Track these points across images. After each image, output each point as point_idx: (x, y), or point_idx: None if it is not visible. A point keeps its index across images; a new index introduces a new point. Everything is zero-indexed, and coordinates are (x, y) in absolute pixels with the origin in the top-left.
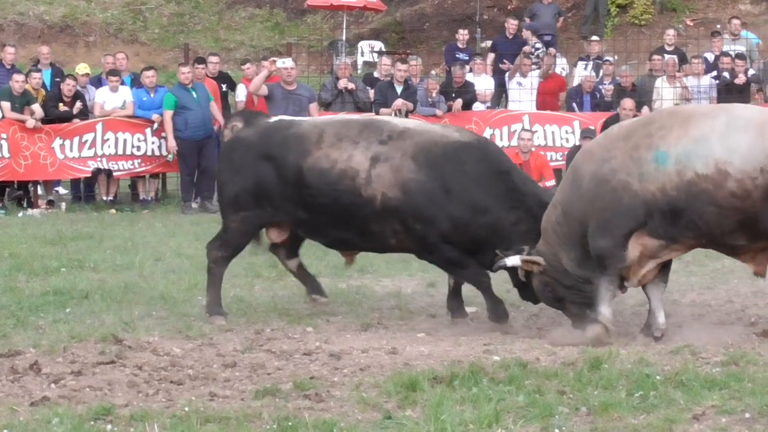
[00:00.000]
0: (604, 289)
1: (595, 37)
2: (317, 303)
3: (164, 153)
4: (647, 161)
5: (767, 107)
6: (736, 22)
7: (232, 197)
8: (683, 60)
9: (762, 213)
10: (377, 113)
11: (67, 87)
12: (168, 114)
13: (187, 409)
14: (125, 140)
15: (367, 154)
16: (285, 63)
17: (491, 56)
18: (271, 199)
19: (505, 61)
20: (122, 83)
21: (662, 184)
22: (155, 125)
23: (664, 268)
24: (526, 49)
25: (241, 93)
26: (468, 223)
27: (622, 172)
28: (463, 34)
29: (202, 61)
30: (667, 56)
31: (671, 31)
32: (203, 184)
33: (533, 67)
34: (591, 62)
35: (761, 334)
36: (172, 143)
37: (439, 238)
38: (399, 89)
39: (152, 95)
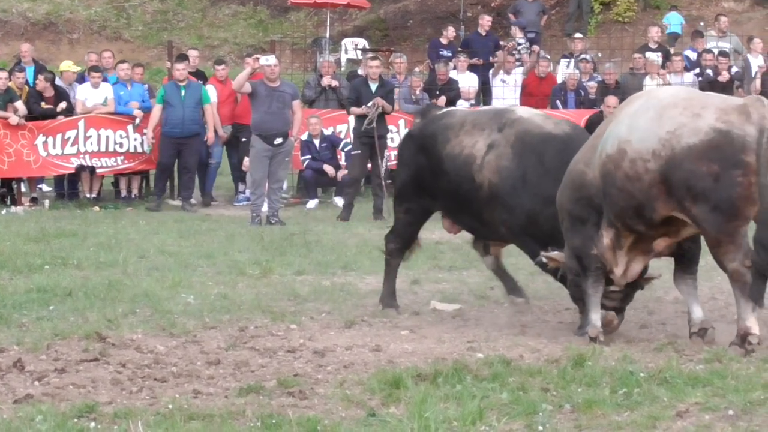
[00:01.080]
0: (590, 293)
1: (578, 35)
2: (514, 304)
3: (147, 150)
4: (597, 148)
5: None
6: (723, 19)
7: (399, 188)
8: (668, 57)
9: (651, 200)
10: (348, 112)
11: (40, 84)
12: (156, 108)
13: (170, 406)
14: (107, 137)
15: (486, 141)
16: (268, 60)
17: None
18: (426, 188)
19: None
20: (105, 80)
21: (596, 168)
22: (137, 121)
23: (686, 262)
24: (510, 45)
25: (211, 93)
26: (537, 213)
27: (581, 162)
28: (449, 31)
29: (184, 58)
30: (649, 54)
31: (655, 29)
32: (183, 182)
33: (516, 64)
34: (574, 60)
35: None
36: (150, 135)
37: (519, 228)
38: (374, 87)
39: (129, 88)
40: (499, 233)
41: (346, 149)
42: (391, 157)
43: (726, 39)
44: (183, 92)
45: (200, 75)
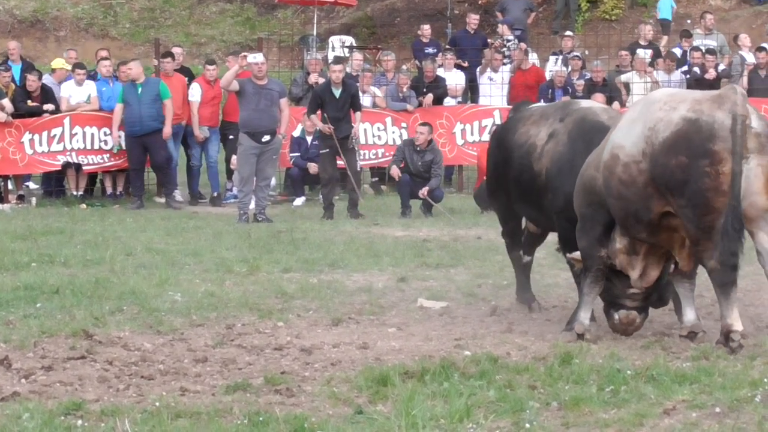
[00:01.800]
0: (584, 293)
1: (568, 33)
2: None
3: (115, 149)
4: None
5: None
6: (709, 17)
7: (488, 183)
8: (657, 55)
9: (647, 200)
10: (308, 117)
11: (29, 82)
12: (118, 107)
13: (157, 404)
14: (92, 134)
15: (548, 130)
16: (256, 58)
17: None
18: (504, 180)
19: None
20: (92, 78)
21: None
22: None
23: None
24: (497, 43)
25: (195, 92)
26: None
27: (591, 166)
28: (426, 30)
29: (169, 55)
30: (639, 51)
31: (647, 27)
32: (159, 179)
33: (504, 61)
34: (563, 57)
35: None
36: (115, 135)
37: (560, 212)
38: (337, 92)
39: (111, 85)
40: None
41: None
42: (361, 156)
43: (712, 37)
44: (139, 90)
45: (186, 72)
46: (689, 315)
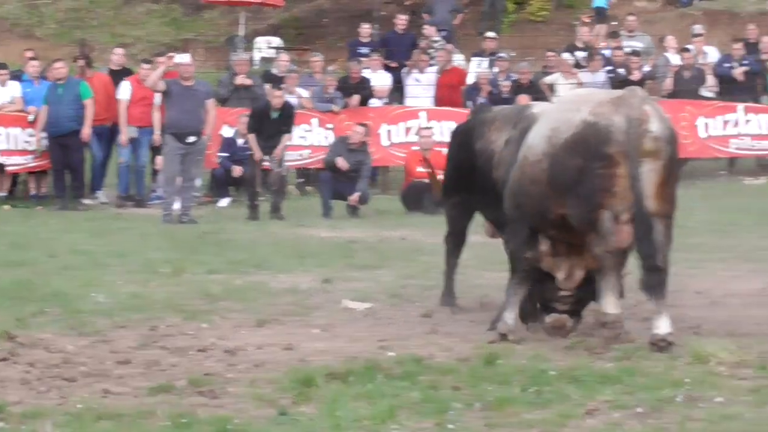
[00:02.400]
0: (510, 293)
1: (490, 33)
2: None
3: (38, 150)
4: None
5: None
6: (631, 18)
7: (445, 183)
8: (591, 57)
9: (548, 200)
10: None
11: None
12: (43, 108)
13: (80, 406)
14: (16, 135)
15: (505, 137)
16: (183, 59)
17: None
18: (465, 183)
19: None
20: (18, 78)
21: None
22: (31, 117)
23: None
24: (424, 44)
25: (124, 91)
26: None
27: (518, 168)
28: (365, 29)
29: (84, 56)
30: (565, 54)
31: (585, 29)
32: (72, 181)
33: (431, 63)
34: (486, 59)
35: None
36: (38, 136)
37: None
38: (275, 114)
39: (37, 85)
40: None
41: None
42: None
43: (638, 38)
44: (60, 90)
45: (128, 73)
46: (611, 308)
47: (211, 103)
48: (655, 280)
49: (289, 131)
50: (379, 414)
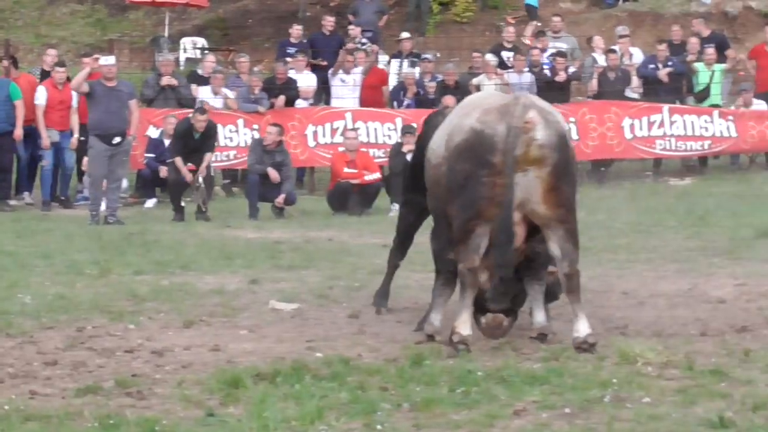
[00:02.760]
0: (435, 294)
1: (405, 34)
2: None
3: None
4: None
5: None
6: (556, 19)
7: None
8: (518, 57)
9: (446, 204)
10: (172, 159)
11: None
12: None
13: (7, 407)
14: None
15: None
16: (108, 60)
17: (308, 52)
18: (416, 184)
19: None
20: None
21: None
22: None
23: (535, 266)
24: (350, 46)
25: (41, 96)
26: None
27: None
28: (296, 30)
29: (11, 57)
30: (488, 55)
31: (511, 29)
32: (4, 181)
33: (356, 63)
34: (406, 60)
35: None
36: None
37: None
38: (197, 136)
39: None
40: None
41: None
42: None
43: (563, 39)
44: None
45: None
46: (539, 317)
47: (134, 104)
48: (501, 289)
49: (211, 150)
50: (307, 415)
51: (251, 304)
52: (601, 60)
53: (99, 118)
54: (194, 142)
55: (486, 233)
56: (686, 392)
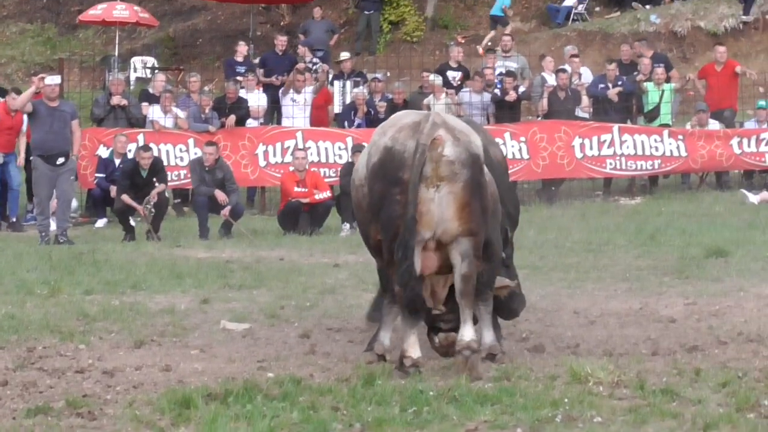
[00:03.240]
0: (383, 313)
1: (345, 54)
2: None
3: None
4: None
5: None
6: (506, 38)
7: None
8: (467, 77)
9: (368, 226)
10: (119, 197)
11: None
12: None
13: None
14: None
15: None
16: (54, 80)
17: (260, 72)
18: None
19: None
20: None
21: None
22: None
23: (479, 287)
24: (300, 66)
25: None
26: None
27: None
28: (241, 47)
29: None
30: (431, 76)
31: (457, 49)
32: None
33: (307, 83)
34: (348, 80)
35: (532, 349)
36: None
37: None
38: (144, 173)
39: None
40: None
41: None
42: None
43: (513, 59)
44: None
45: (4, 92)
46: (487, 337)
47: (75, 124)
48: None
49: (163, 181)
50: None
51: (202, 323)
52: (551, 80)
53: (42, 139)
54: (142, 179)
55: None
56: (637, 411)
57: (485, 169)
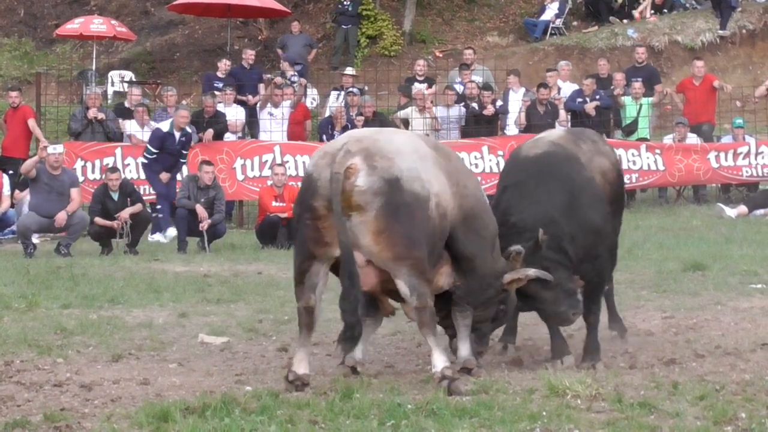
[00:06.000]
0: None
1: (350, 70)
2: None
3: None
4: None
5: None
6: (468, 52)
7: None
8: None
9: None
10: (92, 221)
11: None
12: None
13: None
14: None
15: None
16: (56, 149)
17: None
18: None
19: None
20: None
21: None
22: None
23: (456, 300)
24: (277, 80)
25: None
26: None
27: None
28: (224, 64)
29: None
30: (417, 85)
31: (421, 62)
32: None
33: (285, 97)
34: (344, 92)
35: (510, 362)
36: None
37: None
38: (115, 196)
39: None
40: None
41: None
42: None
43: (477, 72)
44: None
45: None
46: (463, 351)
47: (75, 191)
48: (348, 333)
49: (138, 201)
50: None
51: (180, 337)
52: (518, 96)
53: (39, 204)
54: (114, 203)
55: (320, 272)
56: (615, 425)
57: (420, 188)
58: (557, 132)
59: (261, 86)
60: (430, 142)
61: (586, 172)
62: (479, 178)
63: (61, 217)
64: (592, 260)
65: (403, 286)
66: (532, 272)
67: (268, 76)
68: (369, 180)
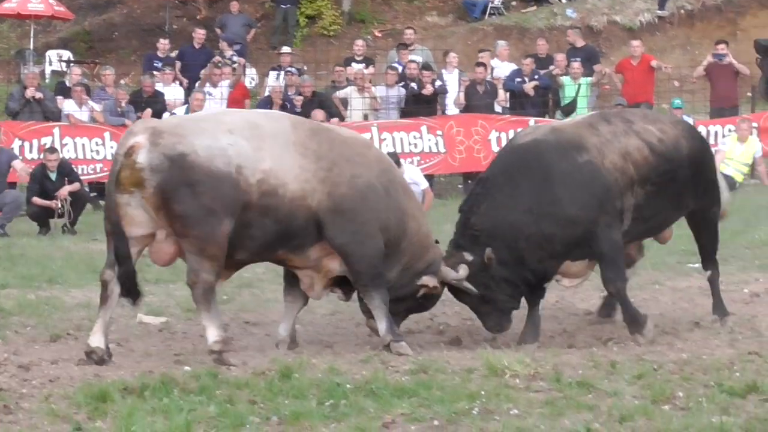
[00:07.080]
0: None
1: (287, 49)
2: None
3: None
4: None
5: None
6: (409, 32)
7: None
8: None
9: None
10: (30, 202)
11: None
12: None
13: None
14: None
15: None
16: None
17: (178, 65)
18: None
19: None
20: None
21: None
22: None
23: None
24: (216, 59)
25: None
26: None
27: None
28: (163, 44)
29: None
30: (355, 65)
31: (360, 41)
32: None
33: (224, 77)
34: (283, 72)
35: (449, 342)
36: None
37: None
38: (53, 176)
39: None
40: None
41: None
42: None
43: (417, 52)
44: None
45: None
46: (380, 329)
47: (17, 163)
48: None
49: (76, 181)
50: (176, 428)
51: (119, 317)
52: (452, 76)
53: None
54: (52, 183)
55: (109, 247)
56: (554, 404)
57: (223, 164)
58: (580, 116)
59: (208, 66)
60: (303, 125)
61: (582, 157)
62: (410, 160)
63: None
64: (588, 243)
65: (188, 260)
66: (454, 281)
67: (218, 58)
68: (149, 157)
